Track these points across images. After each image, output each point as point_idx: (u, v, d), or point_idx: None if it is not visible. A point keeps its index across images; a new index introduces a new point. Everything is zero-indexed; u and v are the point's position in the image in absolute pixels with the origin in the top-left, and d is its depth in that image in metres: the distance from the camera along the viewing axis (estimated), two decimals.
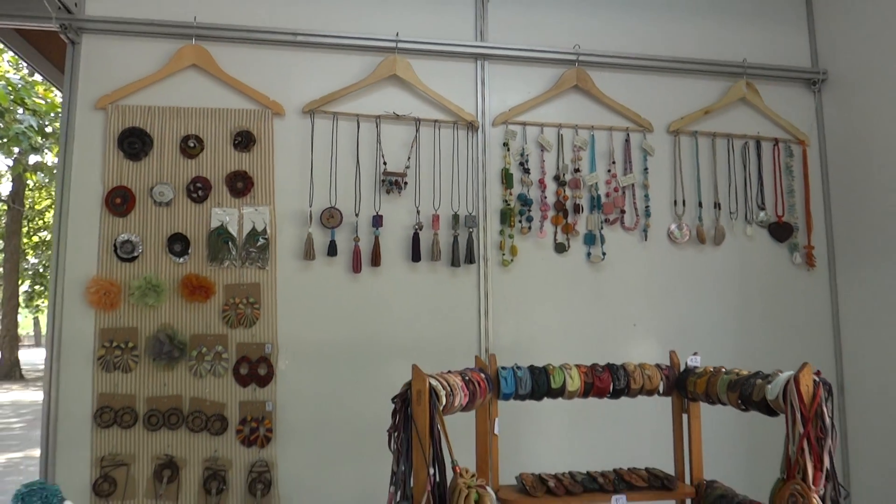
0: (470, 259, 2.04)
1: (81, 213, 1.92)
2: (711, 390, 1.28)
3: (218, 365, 1.92)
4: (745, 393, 1.18)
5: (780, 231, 2.28)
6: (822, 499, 1.04)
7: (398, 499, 1.03)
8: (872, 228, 2.16)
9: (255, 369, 1.93)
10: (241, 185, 1.97)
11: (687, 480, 1.37)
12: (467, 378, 1.18)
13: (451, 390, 1.08)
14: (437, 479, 1.02)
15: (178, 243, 1.93)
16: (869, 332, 2.17)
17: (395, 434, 1.05)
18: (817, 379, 1.09)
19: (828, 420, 1.07)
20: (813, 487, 1.03)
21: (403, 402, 1.03)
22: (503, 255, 2.07)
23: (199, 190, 1.95)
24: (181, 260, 1.93)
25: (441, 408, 1.03)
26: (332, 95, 2.02)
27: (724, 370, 1.28)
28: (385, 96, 2.06)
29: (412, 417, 1.01)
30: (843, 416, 2.24)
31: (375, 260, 2.00)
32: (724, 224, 2.24)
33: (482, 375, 1.26)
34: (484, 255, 2.06)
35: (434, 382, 1.04)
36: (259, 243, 1.96)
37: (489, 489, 1.03)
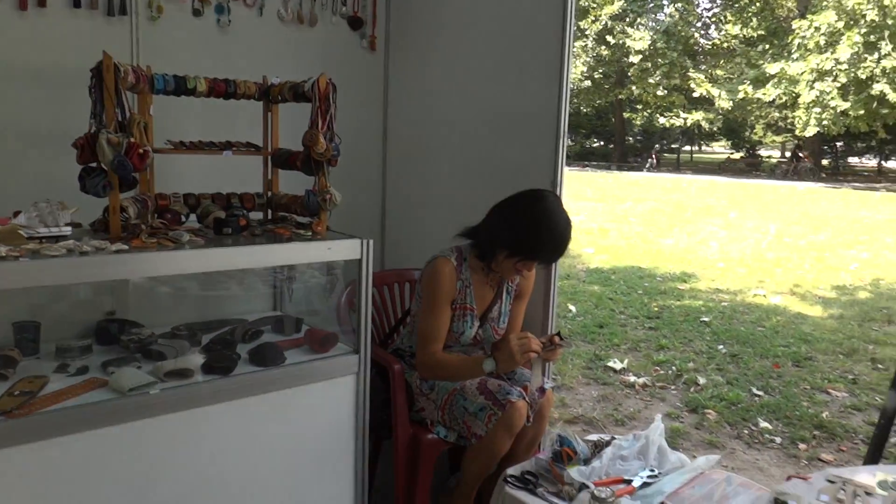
0: (123, 11, 2.68)
1: None
2: (282, 93, 2.30)
3: None
4: (295, 90, 2.22)
5: (354, 22, 3.34)
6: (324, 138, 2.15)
7: (95, 127, 1.84)
8: (413, 26, 3.33)
9: None
10: None
11: (269, 148, 2.42)
12: (135, 69, 1.99)
13: (126, 70, 1.89)
14: (120, 117, 1.86)
15: None
16: (405, 96, 3.41)
17: (93, 90, 1.83)
18: (329, 80, 2.17)
19: (332, 103, 2.16)
20: (321, 131, 2.13)
21: (98, 70, 1.81)
22: (151, 12, 2.75)
23: None
24: None
25: (120, 77, 1.84)
26: None
27: (288, 83, 2.29)
28: None
29: (104, 79, 1.80)
30: (385, 153, 3.54)
31: (41, 2, 2.52)
32: (317, 12, 3.21)
33: (143, 74, 2.07)
34: (135, 9, 2.71)
35: (116, 61, 1.83)
36: None
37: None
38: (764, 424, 3.93)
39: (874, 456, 2.56)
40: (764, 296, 7.28)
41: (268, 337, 2.30)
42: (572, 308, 6.39)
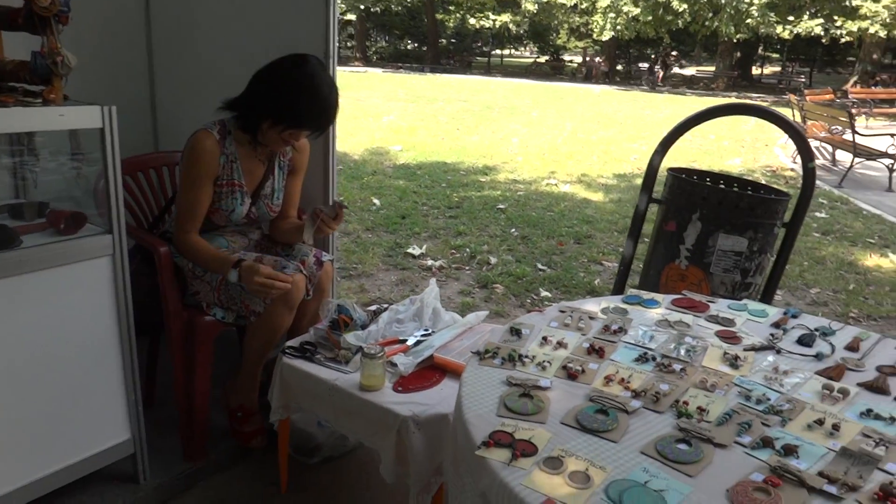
0: None
1: None
2: None
3: None
4: None
5: None
6: None
7: None
8: None
9: None
10: None
11: None
12: None
13: None
14: None
15: None
16: None
17: None
18: None
19: None
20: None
21: None
22: None
23: None
24: None
25: None
26: None
27: None
28: None
29: None
30: (150, 34, 3.19)
31: None
32: None
33: None
34: None
35: None
36: None
37: None
38: (545, 294, 4.30)
39: (616, 294, 2.90)
40: (555, 185, 7.83)
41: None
42: (376, 201, 6.43)
